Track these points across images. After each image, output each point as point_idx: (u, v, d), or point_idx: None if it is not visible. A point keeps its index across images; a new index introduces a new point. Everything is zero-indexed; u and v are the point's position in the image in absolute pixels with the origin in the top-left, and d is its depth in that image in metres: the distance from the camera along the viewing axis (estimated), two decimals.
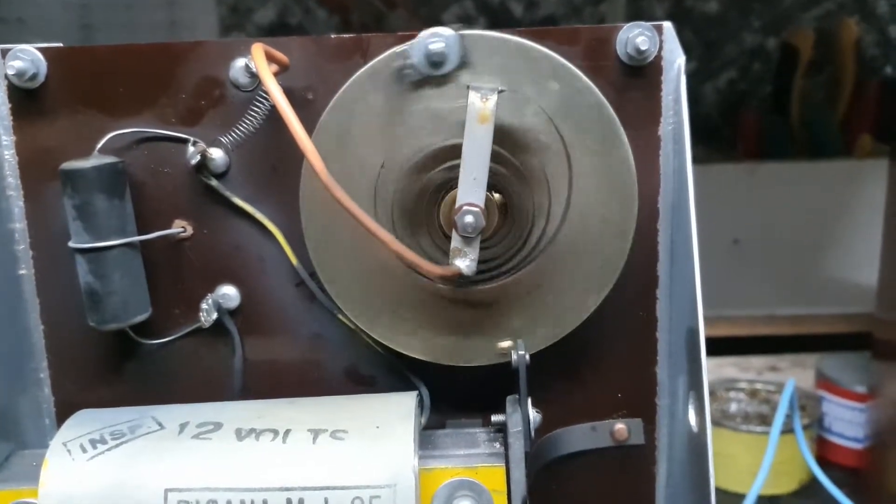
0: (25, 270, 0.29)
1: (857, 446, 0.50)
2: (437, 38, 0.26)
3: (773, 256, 0.63)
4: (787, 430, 0.43)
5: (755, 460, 0.40)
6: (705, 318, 0.28)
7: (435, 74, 0.26)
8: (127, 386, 0.30)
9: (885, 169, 0.45)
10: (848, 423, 0.51)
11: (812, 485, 0.48)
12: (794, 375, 0.44)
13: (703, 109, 0.71)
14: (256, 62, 0.24)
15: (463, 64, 0.26)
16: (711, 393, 0.52)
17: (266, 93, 0.26)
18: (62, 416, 0.30)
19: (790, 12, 0.70)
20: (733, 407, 0.52)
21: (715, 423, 0.48)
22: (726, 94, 0.72)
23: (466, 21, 0.71)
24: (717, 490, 0.27)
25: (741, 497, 0.39)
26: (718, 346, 0.58)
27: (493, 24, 0.70)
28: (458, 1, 0.70)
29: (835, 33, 0.65)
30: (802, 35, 0.65)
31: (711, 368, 0.59)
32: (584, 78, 0.27)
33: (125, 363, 0.30)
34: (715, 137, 0.69)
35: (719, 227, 0.62)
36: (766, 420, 0.50)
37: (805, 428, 0.46)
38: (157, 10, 0.69)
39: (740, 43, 0.71)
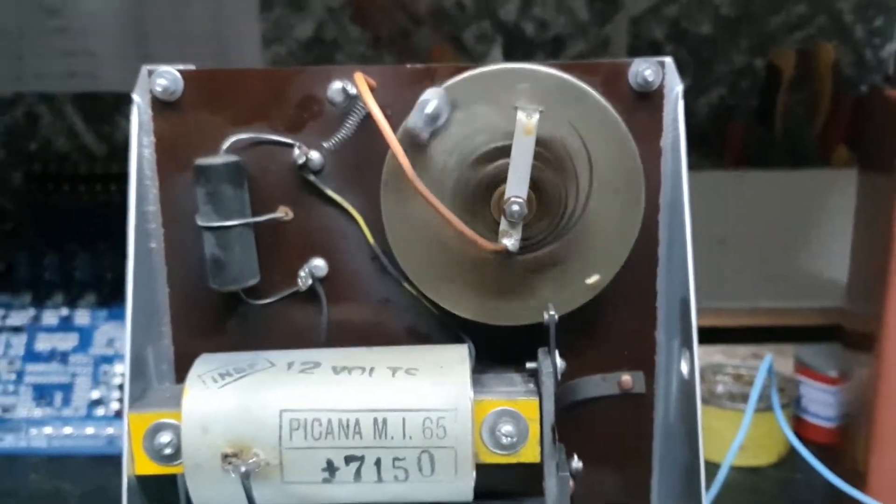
0: (155, 244, 0.36)
1: (830, 425, 0.55)
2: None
3: (756, 255, 0.66)
4: (767, 407, 0.48)
5: (738, 434, 0.45)
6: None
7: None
8: (233, 338, 0.36)
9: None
10: (822, 404, 0.56)
11: (789, 457, 0.54)
12: (775, 362, 0.46)
13: (696, 121, 0.75)
14: (359, 86, 0.31)
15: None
16: (700, 376, 0.56)
17: (360, 109, 0.33)
18: (179, 362, 0.36)
19: (775, 36, 0.75)
20: (720, 388, 0.56)
21: (704, 401, 0.51)
22: (716, 107, 0.76)
23: (484, 39, 0.76)
24: (704, 462, 0.33)
25: None
26: (707, 335, 0.58)
27: (509, 42, 0.75)
28: (478, 21, 0.74)
29: (814, 55, 0.70)
30: (785, 56, 0.70)
31: (700, 355, 0.61)
32: (602, 100, 0.33)
33: (233, 320, 0.36)
34: (705, 147, 0.72)
35: (707, 228, 0.65)
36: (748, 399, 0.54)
37: (784, 406, 0.51)
38: (205, 22, 0.75)
39: (730, 62, 0.76)
